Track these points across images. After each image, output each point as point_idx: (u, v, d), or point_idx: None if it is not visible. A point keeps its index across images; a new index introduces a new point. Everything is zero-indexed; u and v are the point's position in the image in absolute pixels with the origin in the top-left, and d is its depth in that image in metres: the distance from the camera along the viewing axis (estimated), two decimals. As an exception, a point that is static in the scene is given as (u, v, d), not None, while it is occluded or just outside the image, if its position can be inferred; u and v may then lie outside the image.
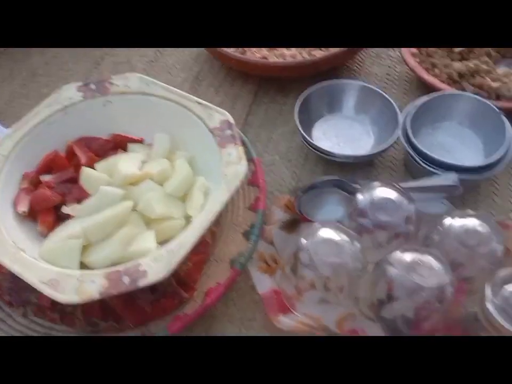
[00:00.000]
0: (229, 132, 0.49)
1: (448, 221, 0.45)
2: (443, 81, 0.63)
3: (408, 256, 0.42)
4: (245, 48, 0.68)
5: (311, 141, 0.59)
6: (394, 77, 0.72)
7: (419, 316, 0.43)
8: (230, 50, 0.67)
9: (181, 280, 0.47)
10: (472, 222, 0.45)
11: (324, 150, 0.59)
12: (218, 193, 0.44)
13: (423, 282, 0.40)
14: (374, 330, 0.46)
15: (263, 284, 0.50)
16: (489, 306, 0.38)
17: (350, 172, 0.61)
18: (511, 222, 0.52)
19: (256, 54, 0.68)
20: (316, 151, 0.60)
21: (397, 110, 0.60)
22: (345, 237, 0.45)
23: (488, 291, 0.39)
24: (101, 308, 0.45)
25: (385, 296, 0.42)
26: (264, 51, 0.68)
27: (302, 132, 0.59)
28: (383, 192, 0.48)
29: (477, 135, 0.60)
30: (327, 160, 0.61)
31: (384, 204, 0.47)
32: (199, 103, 0.51)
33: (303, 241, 0.44)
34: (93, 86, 0.54)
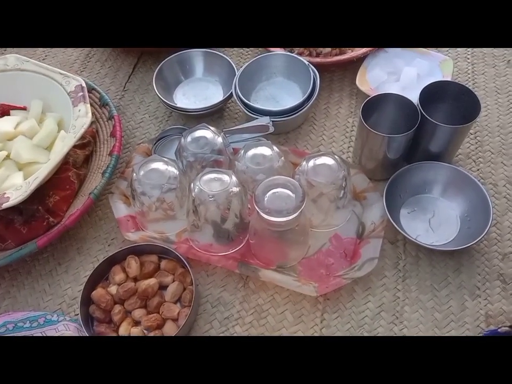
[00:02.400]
0: (80, 94, 0.63)
1: (244, 149, 0.60)
2: (277, 44, 0.77)
3: (207, 176, 0.57)
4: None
5: (167, 102, 0.73)
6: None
7: (223, 219, 0.58)
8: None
9: (50, 209, 0.61)
10: (259, 150, 0.60)
11: (178, 107, 0.73)
12: (67, 139, 0.59)
13: (210, 191, 0.55)
14: (202, 237, 0.61)
15: (120, 211, 0.64)
16: (255, 206, 0.53)
17: (204, 122, 0.75)
18: (308, 150, 0.68)
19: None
20: (174, 109, 0.74)
21: (235, 70, 0.74)
22: (166, 166, 0.59)
23: (256, 193, 0.54)
24: (-13, 232, 0.60)
25: (193, 207, 0.57)
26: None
27: (159, 95, 0.73)
28: (199, 132, 0.62)
29: (299, 86, 0.74)
30: (186, 115, 0.75)
31: (198, 140, 0.61)
32: (60, 73, 0.65)
33: (134, 173, 0.59)
34: (-22, 66, 0.67)
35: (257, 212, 0.53)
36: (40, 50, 0.89)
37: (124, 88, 0.81)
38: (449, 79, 0.73)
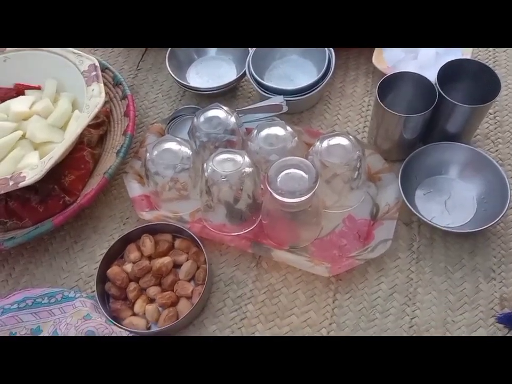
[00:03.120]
0: (94, 73, 0.63)
1: (257, 129, 0.60)
2: (292, 22, 0.76)
3: (220, 156, 0.57)
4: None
5: (180, 81, 0.72)
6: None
7: (236, 199, 0.58)
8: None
9: (66, 188, 0.62)
10: (272, 131, 0.59)
11: (190, 86, 0.73)
12: (81, 119, 0.59)
13: (223, 171, 0.55)
14: (216, 217, 0.61)
15: (135, 190, 0.65)
16: (268, 187, 0.53)
17: (217, 102, 0.74)
18: (322, 130, 0.67)
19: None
20: (187, 89, 0.74)
21: (249, 48, 0.73)
22: (179, 146, 0.59)
23: (269, 174, 0.54)
24: (6, 210, 0.61)
25: (206, 188, 0.57)
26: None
27: (172, 74, 0.73)
28: (212, 112, 0.62)
29: (313, 65, 0.73)
30: (199, 94, 0.75)
31: (211, 120, 0.61)
32: (74, 53, 0.65)
33: (147, 153, 0.59)
34: (-7, 46, 0.68)
35: (270, 192, 0.53)
36: (54, 29, 0.88)
37: (137, 67, 0.81)
38: (468, 57, 0.70)
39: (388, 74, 0.60)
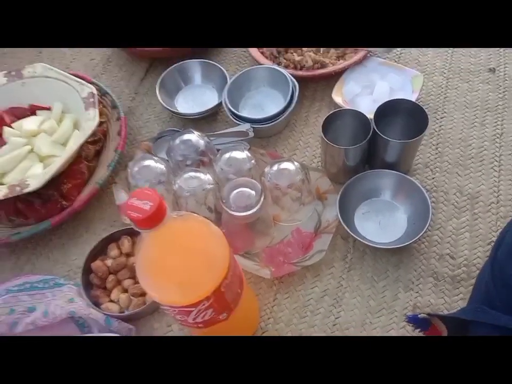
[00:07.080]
0: (92, 100, 0.76)
1: (221, 153, 0.71)
2: (266, 57, 0.87)
3: (187, 175, 0.69)
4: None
5: (168, 107, 0.85)
6: (232, 54, 0.96)
7: (200, 211, 0.70)
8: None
9: (63, 194, 0.75)
10: (233, 154, 0.71)
11: (177, 112, 0.85)
12: (77, 138, 0.72)
13: (187, 187, 0.67)
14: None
15: (122, 198, 0.77)
16: (222, 204, 0.64)
17: (200, 125, 0.87)
18: (285, 153, 0.79)
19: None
20: (174, 114, 0.86)
21: (228, 79, 0.85)
22: (156, 163, 0.71)
23: (222, 193, 0.65)
24: (14, 210, 0.74)
25: (174, 200, 0.69)
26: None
27: (161, 100, 0.85)
28: (185, 136, 0.74)
29: (282, 96, 0.84)
30: (184, 118, 0.87)
31: (184, 142, 0.73)
32: (77, 81, 0.78)
33: (129, 169, 0.71)
34: (13, 73, 0.82)
35: (224, 208, 0.65)
36: (68, 54, 1.02)
37: (136, 91, 0.94)
38: (417, 93, 0.80)
39: (331, 112, 0.71)
